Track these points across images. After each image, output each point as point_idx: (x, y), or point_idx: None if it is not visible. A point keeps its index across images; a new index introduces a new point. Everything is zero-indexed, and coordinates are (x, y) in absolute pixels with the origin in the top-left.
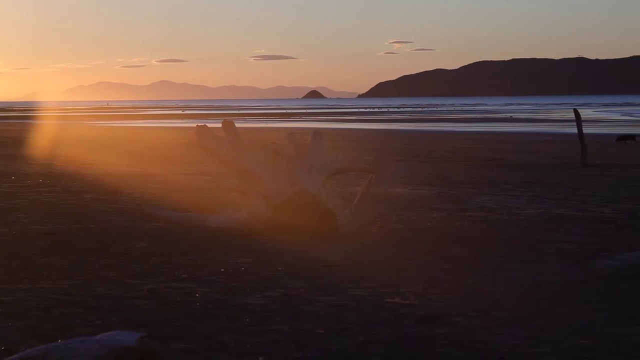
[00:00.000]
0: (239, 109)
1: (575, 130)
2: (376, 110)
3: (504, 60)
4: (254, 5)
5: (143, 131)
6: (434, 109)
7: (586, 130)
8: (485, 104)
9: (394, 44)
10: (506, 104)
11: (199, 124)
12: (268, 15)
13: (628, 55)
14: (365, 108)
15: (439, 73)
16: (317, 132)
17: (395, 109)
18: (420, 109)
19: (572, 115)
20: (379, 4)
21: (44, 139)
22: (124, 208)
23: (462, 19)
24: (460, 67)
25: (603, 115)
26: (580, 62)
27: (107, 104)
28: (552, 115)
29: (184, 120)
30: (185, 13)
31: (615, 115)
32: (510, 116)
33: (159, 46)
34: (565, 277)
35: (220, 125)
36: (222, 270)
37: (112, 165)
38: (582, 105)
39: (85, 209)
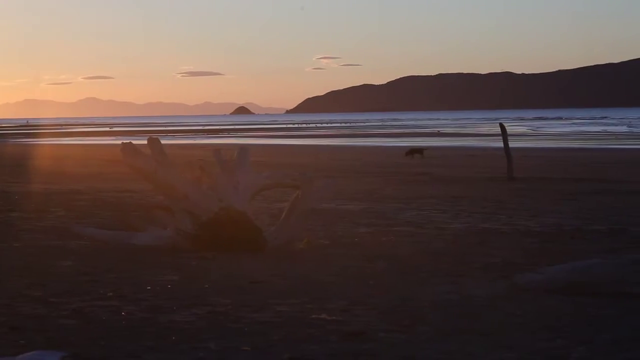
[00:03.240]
0: (166, 126)
1: (501, 144)
2: (304, 125)
3: (431, 75)
4: (180, 21)
5: (69, 149)
6: (362, 124)
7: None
8: (413, 119)
9: (322, 60)
10: (433, 119)
11: (125, 142)
12: (195, 32)
13: (554, 70)
14: (293, 124)
15: (367, 88)
16: (243, 148)
17: (323, 124)
18: (347, 124)
19: (498, 130)
20: (306, 19)
21: None
22: (49, 226)
23: (389, 35)
24: (388, 83)
25: (510, 130)
26: (507, 76)
27: (27, 122)
28: (479, 129)
29: (111, 138)
30: (112, 29)
31: (520, 129)
32: (438, 131)
33: (85, 63)
34: (490, 291)
35: (145, 142)
36: (149, 288)
37: (38, 183)
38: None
39: (10, 227)
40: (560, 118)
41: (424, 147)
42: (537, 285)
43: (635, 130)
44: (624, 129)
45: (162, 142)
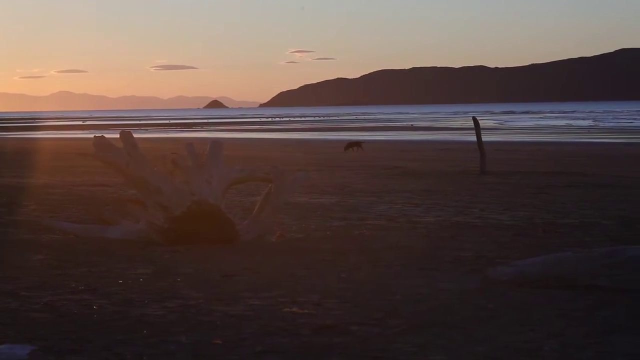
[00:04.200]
0: (139, 119)
1: (474, 138)
2: (277, 119)
3: (404, 69)
4: (154, 15)
5: (42, 143)
6: (335, 118)
7: (458, 138)
8: (386, 113)
9: (296, 53)
10: (407, 113)
11: (97, 135)
12: (169, 26)
13: (527, 63)
14: (267, 117)
15: (340, 82)
16: (215, 141)
17: (296, 118)
18: (321, 118)
19: (471, 124)
20: (280, 13)
21: None
22: (21, 220)
23: (363, 29)
24: (361, 76)
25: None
26: (481, 70)
27: None
28: (452, 123)
29: (84, 131)
30: (84, 22)
31: (488, 122)
32: (411, 125)
33: (58, 56)
34: (461, 285)
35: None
36: (120, 281)
37: (10, 177)
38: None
39: None
40: (528, 112)
41: (362, 141)
42: (509, 279)
43: (600, 124)
44: (589, 122)
45: (135, 135)
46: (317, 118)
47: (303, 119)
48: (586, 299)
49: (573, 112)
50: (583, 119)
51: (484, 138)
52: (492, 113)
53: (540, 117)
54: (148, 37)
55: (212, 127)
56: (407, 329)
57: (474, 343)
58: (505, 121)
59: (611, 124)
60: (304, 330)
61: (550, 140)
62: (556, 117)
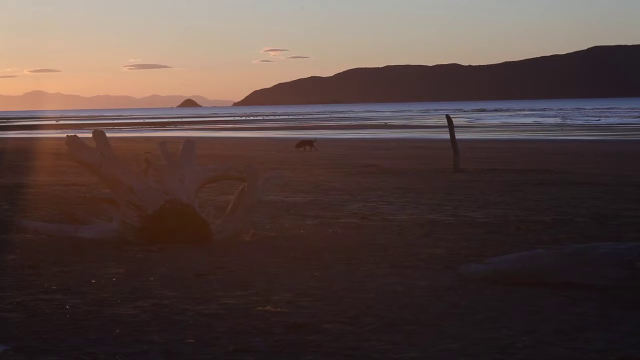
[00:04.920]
0: (113, 119)
1: (448, 136)
2: (251, 118)
3: (378, 67)
4: (128, 14)
5: (15, 142)
6: (309, 116)
7: (432, 135)
8: (360, 111)
9: (270, 52)
10: (381, 111)
11: (70, 135)
12: (143, 25)
13: (501, 61)
14: (240, 116)
15: (314, 81)
16: (188, 140)
17: (270, 117)
18: (295, 117)
19: (445, 122)
20: (254, 11)
21: None
22: None
23: (336, 27)
24: (335, 75)
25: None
26: (455, 68)
27: None
28: (426, 121)
29: (57, 131)
30: (57, 21)
31: (459, 120)
32: (385, 123)
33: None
34: (435, 282)
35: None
36: (93, 281)
37: None
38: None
39: None
40: (499, 110)
41: (313, 139)
42: (482, 276)
43: (568, 121)
44: (557, 120)
45: (109, 135)
46: (290, 117)
47: (277, 117)
48: (559, 296)
49: (544, 109)
50: (552, 116)
51: (463, 136)
52: (464, 111)
53: (510, 115)
54: (122, 37)
55: (186, 126)
56: (380, 326)
57: (447, 340)
58: (476, 119)
59: (579, 122)
60: (277, 328)
61: (525, 137)
62: (525, 114)
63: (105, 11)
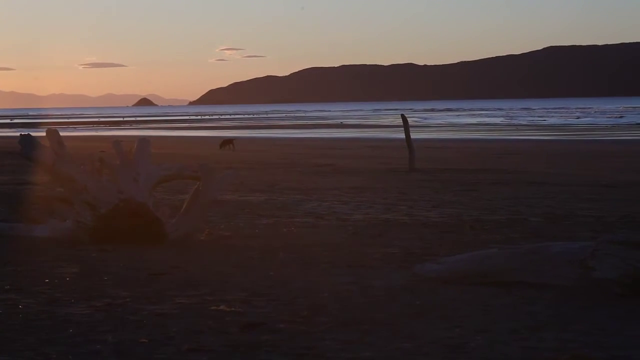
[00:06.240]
0: (68, 117)
1: (403, 135)
2: (206, 117)
3: (334, 67)
4: (83, 12)
5: None
6: (264, 115)
7: (388, 135)
8: (316, 110)
9: (225, 51)
10: (336, 110)
11: (23, 133)
12: (97, 23)
13: (457, 61)
14: (196, 115)
15: (270, 80)
16: (143, 139)
17: (225, 116)
18: (250, 116)
19: (400, 121)
20: (209, 10)
21: None
22: None
23: (292, 26)
24: (291, 74)
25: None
26: (410, 67)
27: None
28: (381, 121)
29: (11, 130)
30: (11, 19)
31: (413, 120)
32: (341, 122)
33: None
34: (389, 282)
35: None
36: (47, 280)
37: None
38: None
39: None
40: (449, 109)
41: (233, 138)
42: (437, 276)
43: (513, 121)
44: (500, 120)
45: (63, 134)
46: (246, 116)
47: (232, 117)
48: (512, 295)
49: (496, 109)
50: (498, 116)
51: (417, 136)
52: (414, 110)
53: (458, 115)
54: (77, 35)
55: (141, 125)
56: (334, 326)
57: (401, 339)
58: (425, 118)
59: (524, 122)
60: (231, 328)
61: (479, 137)
62: (473, 114)
63: (60, 9)
